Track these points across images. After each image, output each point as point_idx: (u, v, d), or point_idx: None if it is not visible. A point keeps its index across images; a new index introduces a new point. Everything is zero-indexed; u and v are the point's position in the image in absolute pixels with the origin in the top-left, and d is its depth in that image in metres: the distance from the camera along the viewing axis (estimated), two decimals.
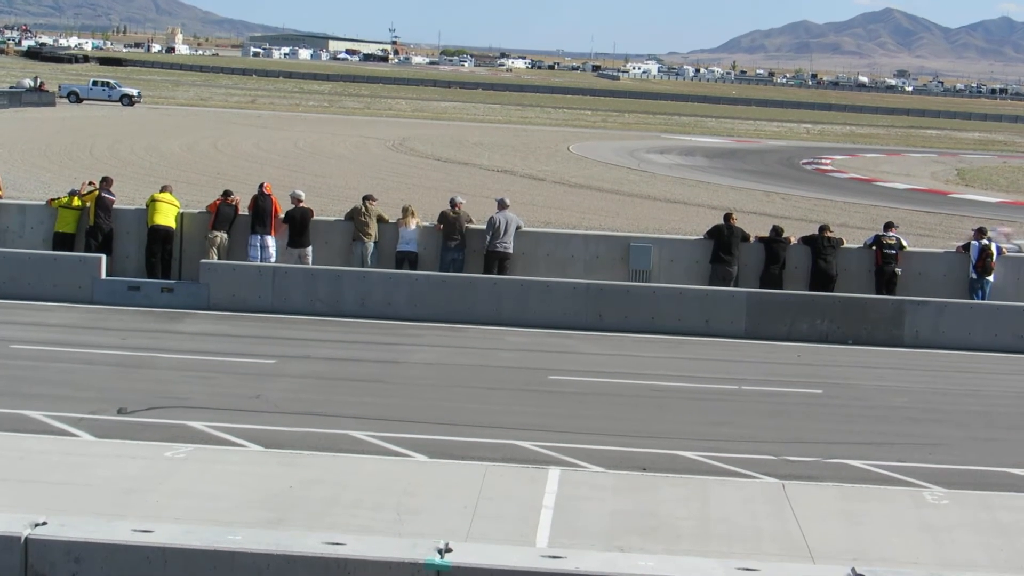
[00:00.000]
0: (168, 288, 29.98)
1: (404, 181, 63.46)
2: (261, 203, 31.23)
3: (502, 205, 31.57)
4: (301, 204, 31.46)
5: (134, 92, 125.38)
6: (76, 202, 31.49)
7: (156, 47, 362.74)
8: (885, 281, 30.83)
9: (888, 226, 32.02)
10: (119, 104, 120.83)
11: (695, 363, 26.44)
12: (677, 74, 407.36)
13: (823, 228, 31.82)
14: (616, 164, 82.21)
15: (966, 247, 31.51)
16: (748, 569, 11.77)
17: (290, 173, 63.70)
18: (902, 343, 28.93)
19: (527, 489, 16.38)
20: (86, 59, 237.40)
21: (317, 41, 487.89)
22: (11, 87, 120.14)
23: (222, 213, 31.21)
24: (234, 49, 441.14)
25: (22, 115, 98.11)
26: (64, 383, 22.09)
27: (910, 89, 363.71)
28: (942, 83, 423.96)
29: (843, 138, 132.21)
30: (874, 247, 31.21)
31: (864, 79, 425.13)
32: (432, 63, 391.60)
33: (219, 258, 30.70)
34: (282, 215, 31.46)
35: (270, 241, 31.12)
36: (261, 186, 31.90)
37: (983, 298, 30.59)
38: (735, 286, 30.53)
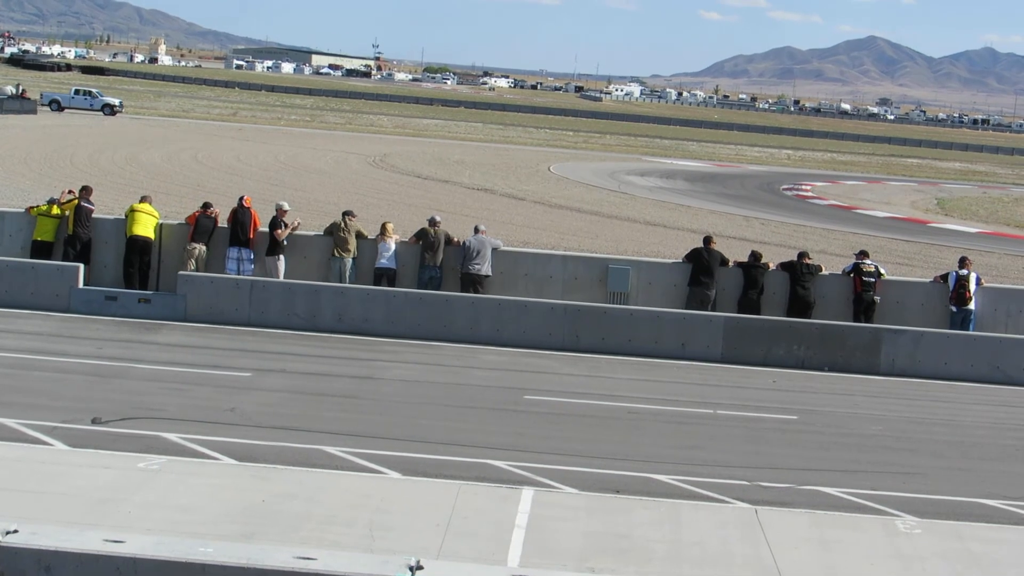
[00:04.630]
0: (145, 299, 29.94)
1: (384, 198, 63.45)
2: (240, 216, 31.21)
3: (476, 231, 31.63)
4: (285, 212, 31.51)
5: (116, 102, 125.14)
6: (55, 211, 31.44)
7: (139, 57, 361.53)
8: (864, 309, 30.89)
9: (862, 254, 32.11)
10: (100, 113, 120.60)
11: (671, 386, 26.46)
12: (659, 97, 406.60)
13: (802, 255, 31.87)
14: (596, 185, 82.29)
15: (944, 277, 31.60)
16: None
17: (270, 187, 63.62)
18: (878, 371, 29.00)
19: (500, 508, 16.37)
20: (68, 67, 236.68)
21: (300, 55, 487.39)
22: None
23: (201, 225, 31.19)
24: (217, 61, 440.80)
25: (2, 122, 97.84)
26: (39, 391, 22.05)
27: (892, 117, 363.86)
28: (924, 112, 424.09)
29: (824, 165, 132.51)
30: (853, 275, 31.28)
31: (846, 106, 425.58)
32: (415, 80, 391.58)
33: (197, 270, 30.67)
34: (262, 228, 31.48)
35: (247, 254, 31.09)
36: (241, 199, 31.89)
37: (969, 329, 30.64)
38: (713, 310, 30.58)
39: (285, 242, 31.28)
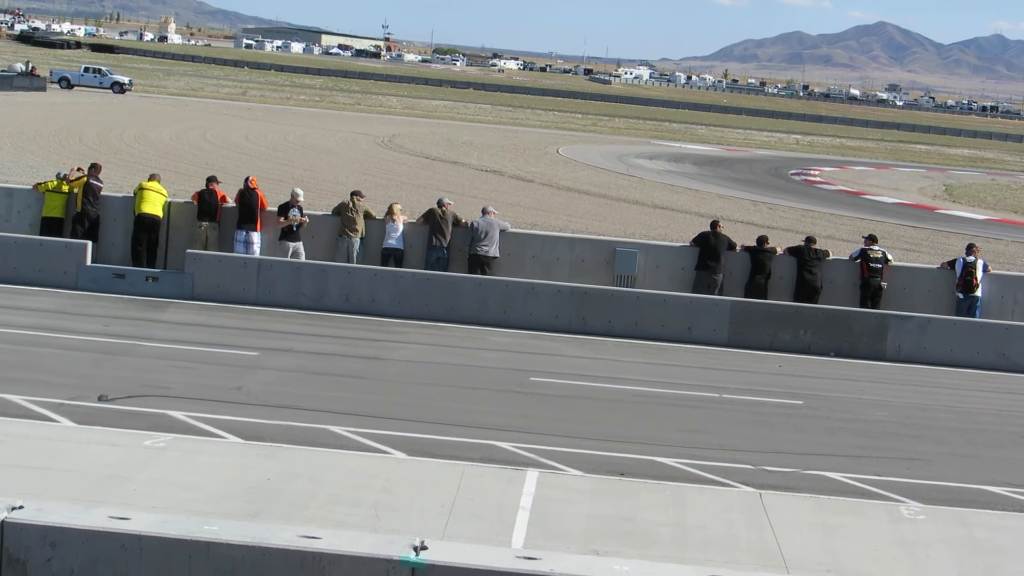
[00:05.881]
0: (153, 277, 29.96)
1: (392, 178, 63.44)
2: (247, 198, 31.20)
3: (484, 212, 31.64)
4: (298, 202, 31.46)
5: (125, 80, 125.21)
6: (64, 187, 31.45)
7: (149, 35, 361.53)
8: (870, 295, 30.89)
9: (871, 239, 32.07)
10: (110, 91, 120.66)
11: (677, 370, 26.46)
12: (669, 80, 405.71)
13: (809, 240, 31.86)
14: (605, 168, 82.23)
15: (952, 264, 31.58)
16: None
17: (278, 166, 63.67)
18: (884, 357, 29.00)
19: (505, 490, 16.40)
20: (78, 45, 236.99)
21: (310, 35, 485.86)
22: (2, 71, 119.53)
23: (204, 202, 31.23)
24: (226, 40, 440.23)
25: (12, 99, 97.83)
26: (45, 368, 22.07)
27: (901, 103, 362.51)
28: (933, 99, 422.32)
29: (832, 150, 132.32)
30: (860, 260, 31.25)
31: (855, 92, 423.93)
32: (424, 61, 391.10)
33: (205, 249, 30.67)
34: (270, 208, 31.50)
35: (255, 237, 31.08)
36: (246, 180, 31.87)
37: (976, 315, 30.63)
38: (720, 295, 30.57)
39: (296, 227, 31.22)
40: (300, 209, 31.38)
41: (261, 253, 30.98)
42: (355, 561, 11.19)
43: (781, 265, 31.35)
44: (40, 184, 32.29)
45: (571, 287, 29.86)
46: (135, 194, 31.42)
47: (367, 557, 11.21)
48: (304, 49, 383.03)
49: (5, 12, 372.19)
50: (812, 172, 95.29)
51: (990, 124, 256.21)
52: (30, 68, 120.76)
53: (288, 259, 30.51)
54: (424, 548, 11.30)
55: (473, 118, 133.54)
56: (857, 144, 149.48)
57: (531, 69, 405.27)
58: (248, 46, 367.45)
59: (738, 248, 31.55)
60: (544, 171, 75.50)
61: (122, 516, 11.69)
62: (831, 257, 31.88)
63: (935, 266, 33.31)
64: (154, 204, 31.11)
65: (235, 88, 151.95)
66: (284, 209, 31.33)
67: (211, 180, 31.92)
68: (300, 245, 31.21)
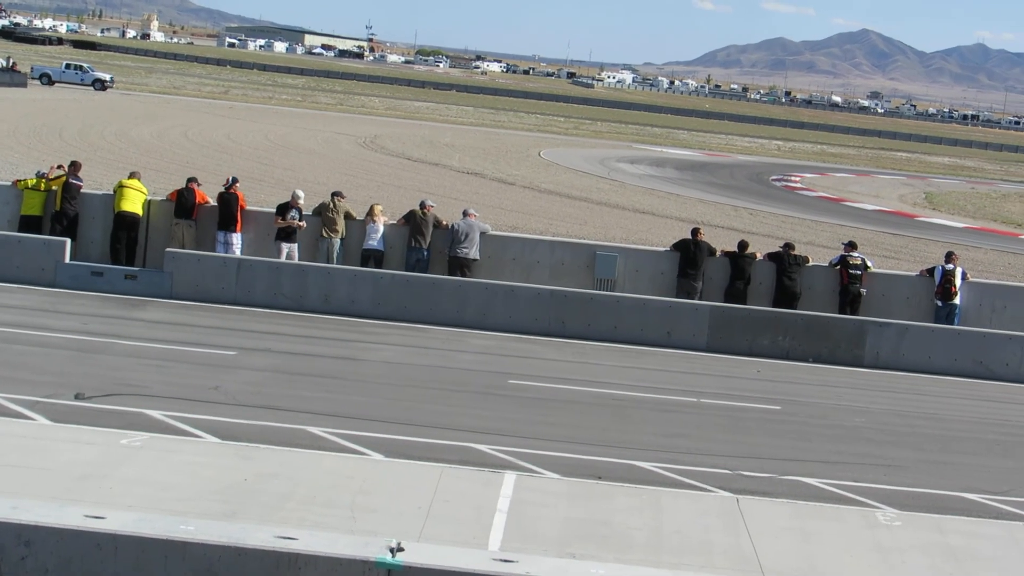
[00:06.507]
0: (131, 275, 29.87)
1: (373, 179, 63.37)
2: (226, 200, 31.17)
3: (465, 214, 31.65)
4: (299, 204, 31.44)
5: (107, 77, 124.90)
6: (44, 185, 31.35)
7: (131, 33, 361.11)
8: (849, 301, 30.96)
9: (851, 245, 32.13)
10: (91, 88, 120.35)
11: (655, 374, 26.47)
12: (651, 85, 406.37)
13: (788, 246, 31.90)
14: (586, 172, 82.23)
15: (931, 271, 31.65)
16: None
17: (260, 166, 63.58)
18: (862, 363, 29.05)
19: (482, 492, 16.37)
20: (60, 41, 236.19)
21: (293, 35, 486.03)
22: None
23: (182, 198, 31.25)
24: (209, 39, 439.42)
25: None
26: (22, 366, 22.00)
27: (882, 111, 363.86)
28: (915, 106, 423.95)
29: (813, 156, 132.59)
30: (840, 267, 31.31)
31: (837, 99, 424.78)
32: (407, 62, 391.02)
33: (182, 247, 30.61)
34: (249, 207, 31.53)
35: (235, 239, 31.05)
36: (226, 181, 31.89)
37: (954, 323, 30.71)
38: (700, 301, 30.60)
39: (294, 229, 31.15)
40: (299, 211, 31.33)
41: (242, 254, 30.90)
42: (331, 562, 11.19)
43: (761, 271, 31.40)
44: (19, 181, 32.17)
45: (551, 290, 29.86)
46: (115, 192, 31.36)
47: (343, 558, 11.22)
48: (287, 49, 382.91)
49: None
50: (793, 178, 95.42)
51: (971, 133, 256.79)
52: (11, 64, 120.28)
53: (267, 259, 30.42)
54: (400, 550, 11.30)
55: (455, 120, 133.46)
56: (838, 151, 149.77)
57: (514, 72, 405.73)
58: (231, 45, 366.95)
59: (718, 253, 31.59)
60: (525, 174, 75.48)
61: (97, 515, 11.67)
62: (811, 263, 31.96)
63: (914, 273, 33.35)
64: (134, 202, 31.05)
65: (217, 87, 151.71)
66: (283, 210, 31.30)
67: (191, 180, 31.88)
68: (295, 247, 31.17)
